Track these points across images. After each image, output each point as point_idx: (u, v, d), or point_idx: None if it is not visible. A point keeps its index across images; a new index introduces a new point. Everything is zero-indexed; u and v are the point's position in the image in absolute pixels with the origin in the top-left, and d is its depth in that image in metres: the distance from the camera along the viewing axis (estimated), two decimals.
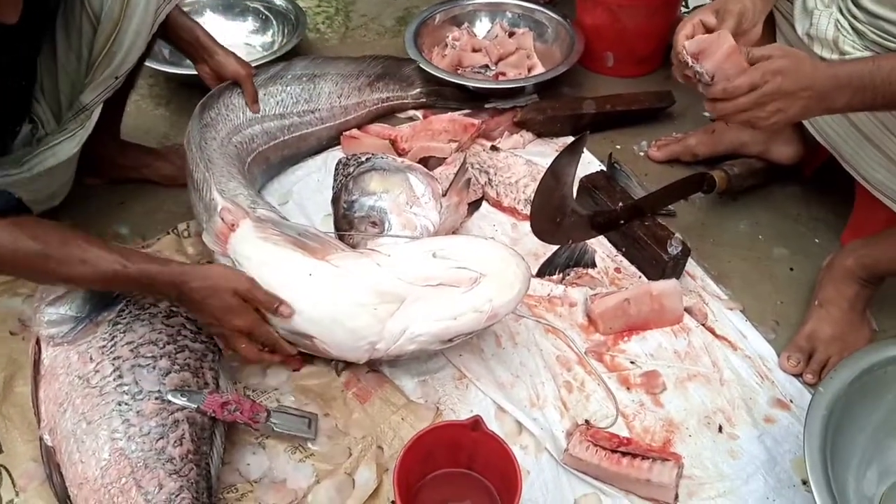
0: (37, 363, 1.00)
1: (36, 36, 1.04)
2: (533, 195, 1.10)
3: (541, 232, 1.13)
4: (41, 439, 0.95)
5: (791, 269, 1.29)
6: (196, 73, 1.34)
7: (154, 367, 0.96)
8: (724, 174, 1.32)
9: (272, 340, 1.02)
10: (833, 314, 1.14)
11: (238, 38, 1.70)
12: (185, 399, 0.94)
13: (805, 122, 1.22)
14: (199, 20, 1.41)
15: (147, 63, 1.50)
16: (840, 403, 0.95)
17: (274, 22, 1.71)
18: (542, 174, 1.07)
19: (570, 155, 1.05)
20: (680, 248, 1.20)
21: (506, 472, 0.88)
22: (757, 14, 1.03)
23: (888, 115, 1.07)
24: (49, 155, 1.08)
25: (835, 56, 1.08)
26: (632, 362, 1.14)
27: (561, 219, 1.12)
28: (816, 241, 1.34)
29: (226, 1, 1.74)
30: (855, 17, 1.06)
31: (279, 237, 1.03)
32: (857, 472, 0.98)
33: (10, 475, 0.97)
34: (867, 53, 1.05)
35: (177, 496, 0.86)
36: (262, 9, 1.73)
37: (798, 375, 1.13)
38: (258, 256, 1.03)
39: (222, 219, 1.06)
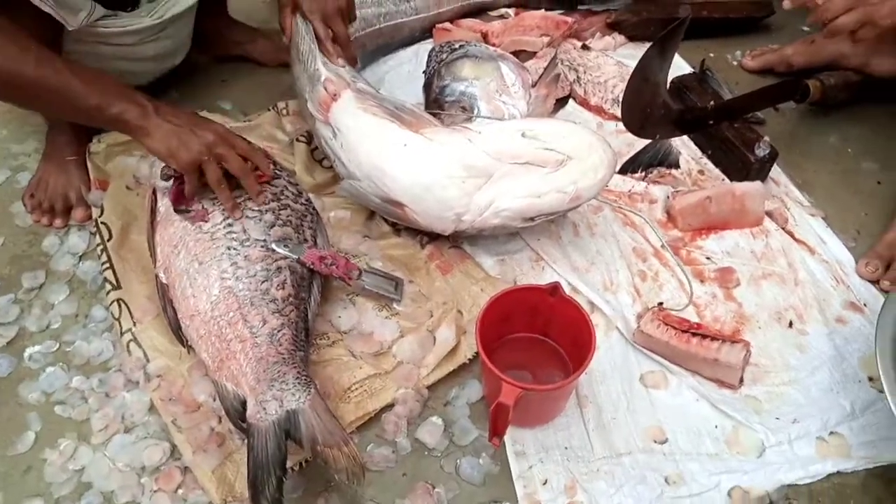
0: (153, 210, 1.09)
1: None
2: (628, 80, 1.11)
3: (630, 122, 1.15)
4: (157, 277, 1.05)
5: (879, 183, 1.28)
6: None
7: (260, 220, 1.04)
8: (820, 84, 1.30)
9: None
10: None
11: None
12: (287, 249, 1.02)
13: None
14: None
15: None
16: None
17: None
18: (640, 59, 1.07)
19: (669, 40, 1.05)
20: (768, 151, 1.20)
21: (579, 336, 0.93)
22: None
23: None
24: (174, 3, 1.18)
25: None
26: (707, 258, 1.16)
27: (652, 109, 1.13)
28: None
29: None
30: None
31: (377, 108, 1.09)
32: None
33: (128, 308, 1.08)
34: None
35: (278, 332, 0.95)
36: None
37: (875, 282, 1.13)
38: (357, 125, 1.09)
39: (325, 88, 1.12)
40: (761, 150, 1.19)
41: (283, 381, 0.90)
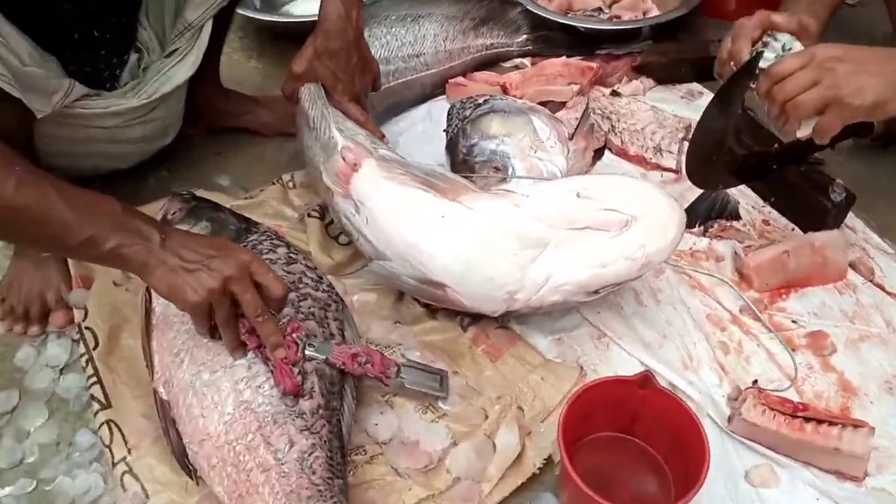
0: (148, 312, 0.92)
1: None
2: (694, 127, 0.98)
3: (693, 171, 1.01)
4: (155, 392, 0.87)
5: None
6: (286, 20, 1.26)
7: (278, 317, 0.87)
8: None
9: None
10: None
11: None
12: (312, 350, 0.84)
13: None
14: None
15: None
16: None
17: None
18: (709, 103, 0.95)
19: (743, 77, 0.92)
20: (844, 195, 1.06)
21: (680, 438, 0.77)
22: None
23: None
24: (164, 80, 1.04)
25: None
26: (794, 321, 1.01)
27: (717, 157, 0.99)
28: None
29: None
30: None
31: (406, 177, 0.94)
32: None
33: (120, 431, 0.89)
34: None
35: (309, 454, 0.77)
36: None
37: None
38: (384, 197, 0.93)
39: (343, 158, 0.97)
40: (837, 195, 1.06)
41: None
